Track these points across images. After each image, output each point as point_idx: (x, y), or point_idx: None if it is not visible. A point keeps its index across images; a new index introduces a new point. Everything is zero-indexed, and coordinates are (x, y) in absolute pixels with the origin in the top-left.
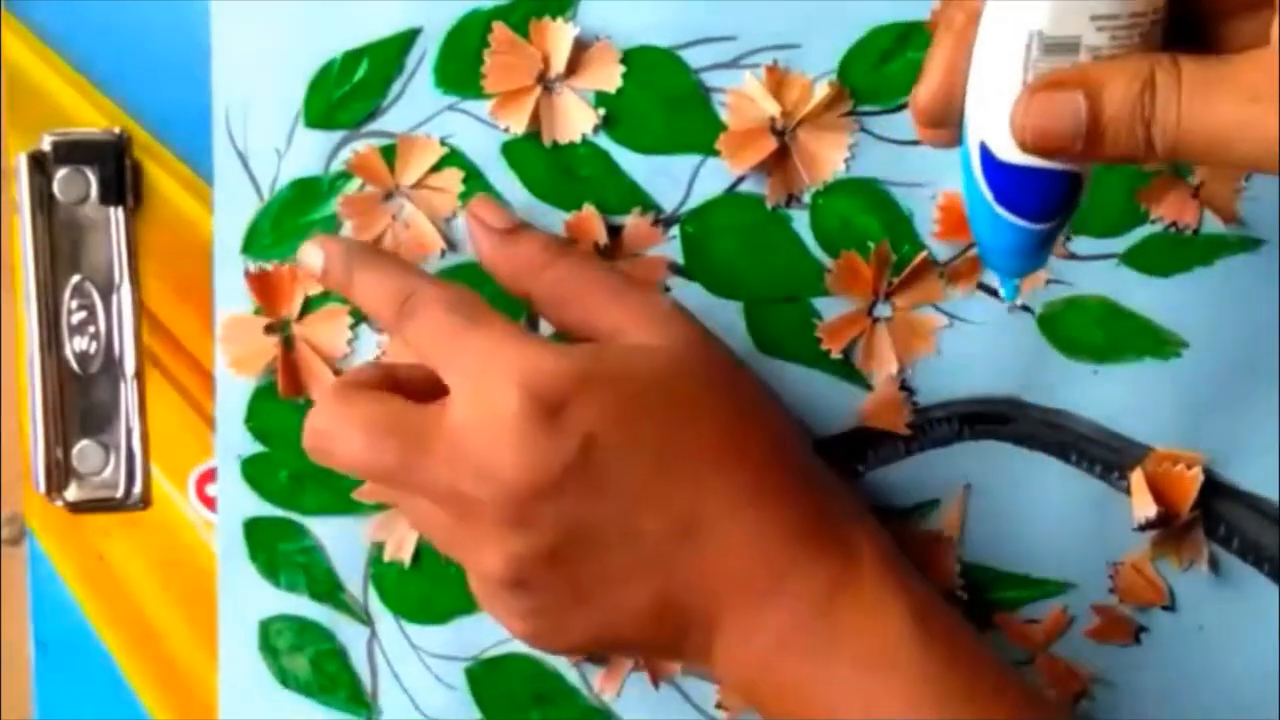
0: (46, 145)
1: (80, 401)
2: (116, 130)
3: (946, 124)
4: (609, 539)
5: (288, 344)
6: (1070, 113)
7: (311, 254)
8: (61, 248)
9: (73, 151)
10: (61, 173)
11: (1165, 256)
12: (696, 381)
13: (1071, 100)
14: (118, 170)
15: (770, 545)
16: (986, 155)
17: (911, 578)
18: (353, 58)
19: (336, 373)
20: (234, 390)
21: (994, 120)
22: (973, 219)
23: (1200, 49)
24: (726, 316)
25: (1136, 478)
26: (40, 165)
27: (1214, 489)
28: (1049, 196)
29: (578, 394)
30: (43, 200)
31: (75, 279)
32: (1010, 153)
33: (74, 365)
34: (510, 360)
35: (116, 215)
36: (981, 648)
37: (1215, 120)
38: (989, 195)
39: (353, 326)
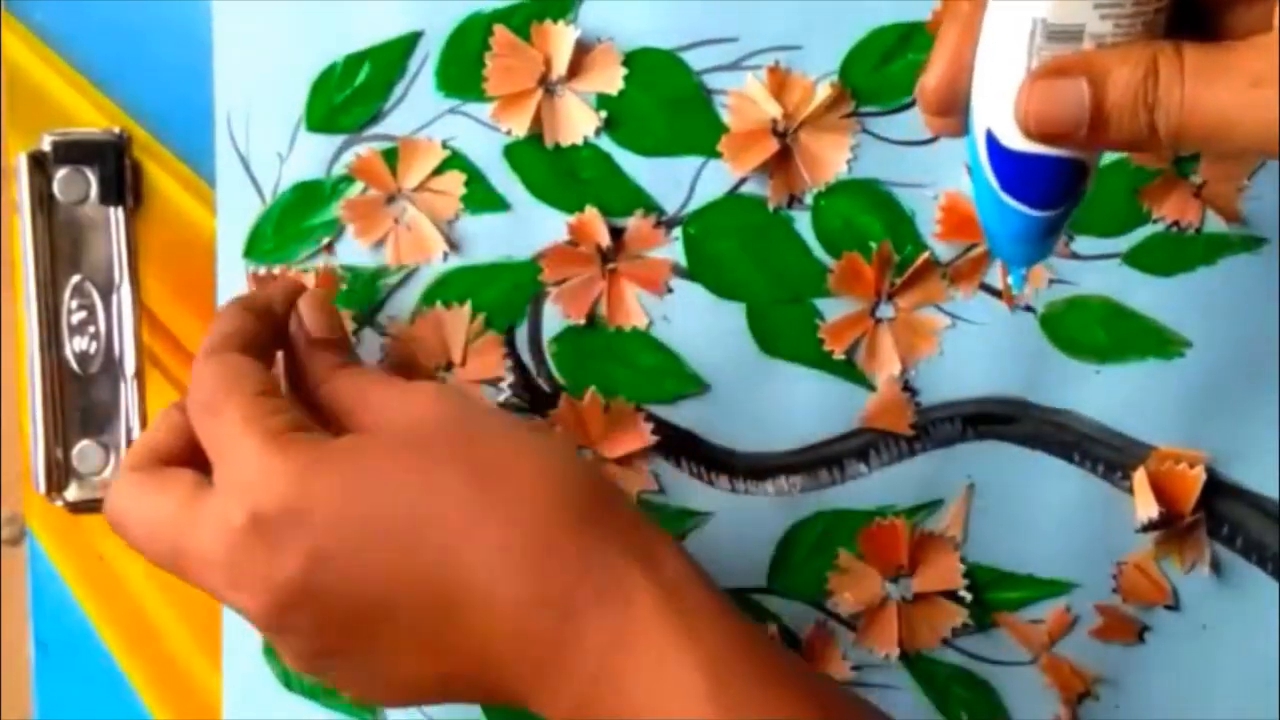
0: (46, 145)
1: (80, 401)
2: (116, 130)
3: (953, 112)
4: (371, 627)
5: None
6: (1074, 99)
7: None
8: (61, 248)
9: (73, 151)
10: (61, 173)
11: (1168, 256)
12: (429, 453)
13: (1075, 86)
14: (118, 170)
15: (537, 613)
16: (992, 142)
17: (701, 617)
18: (354, 61)
19: None
20: None
21: (999, 107)
22: (980, 207)
23: (1203, 39)
24: (729, 318)
25: (1139, 477)
26: (40, 165)
27: (1217, 488)
28: (1054, 184)
29: (296, 507)
30: (43, 200)
31: (75, 279)
32: (1015, 140)
33: (74, 365)
34: (236, 470)
35: (116, 215)
36: (796, 686)
37: (1217, 104)
38: (995, 183)
39: (355, 332)
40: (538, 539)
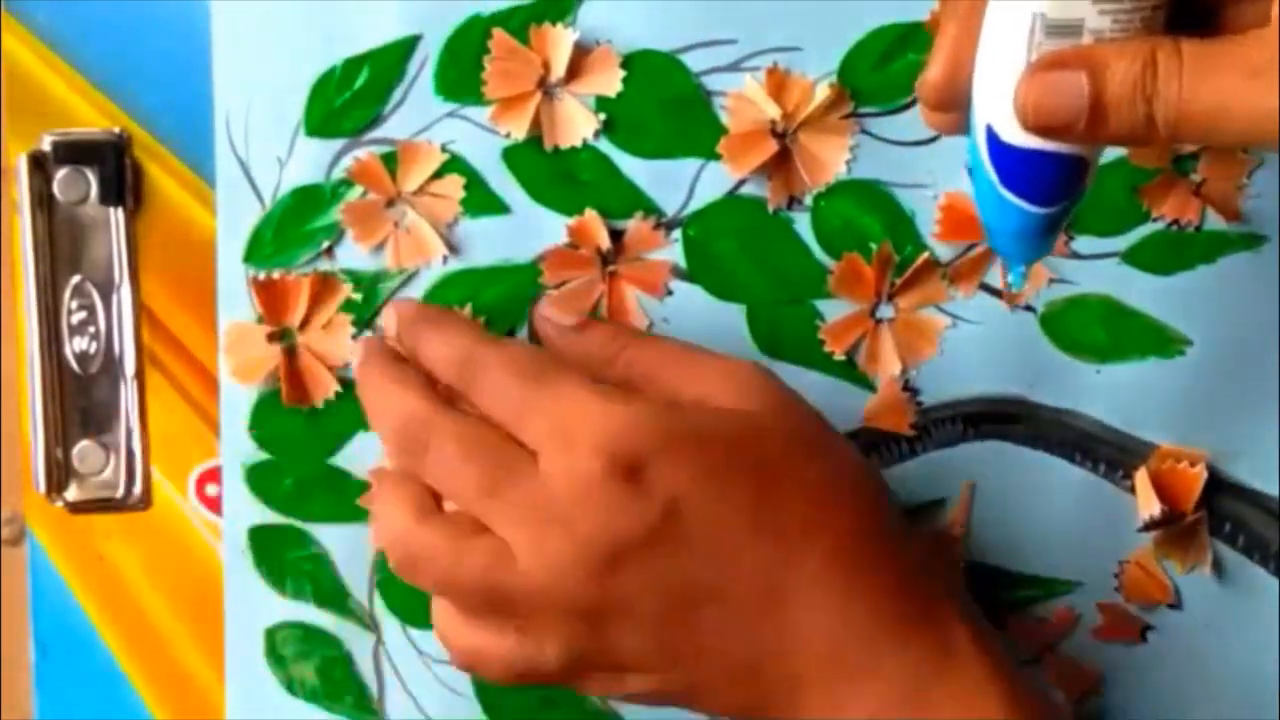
0: (46, 145)
1: (80, 401)
2: (116, 130)
3: (953, 108)
4: (694, 600)
5: (290, 352)
6: (1073, 91)
7: (386, 318)
8: (61, 248)
9: (73, 151)
10: (61, 173)
11: (1168, 255)
12: (785, 446)
13: (1074, 79)
14: (118, 170)
15: (861, 623)
16: (993, 138)
17: (1004, 660)
18: (353, 65)
19: (340, 381)
20: (238, 398)
21: (999, 103)
22: (980, 203)
23: (1202, 34)
24: (729, 319)
25: (1141, 476)
26: (40, 165)
27: (1219, 486)
28: (1055, 179)
29: (660, 453)
30: (43, 200)
31: (75, 279)
32: (1016, 135)
33: (74, 365)
34: (584, 421)
35: (116, 215)
36: None
37: (1215, 96)
38: (995, 178)
39: (355, 335)
40: (871, 556)
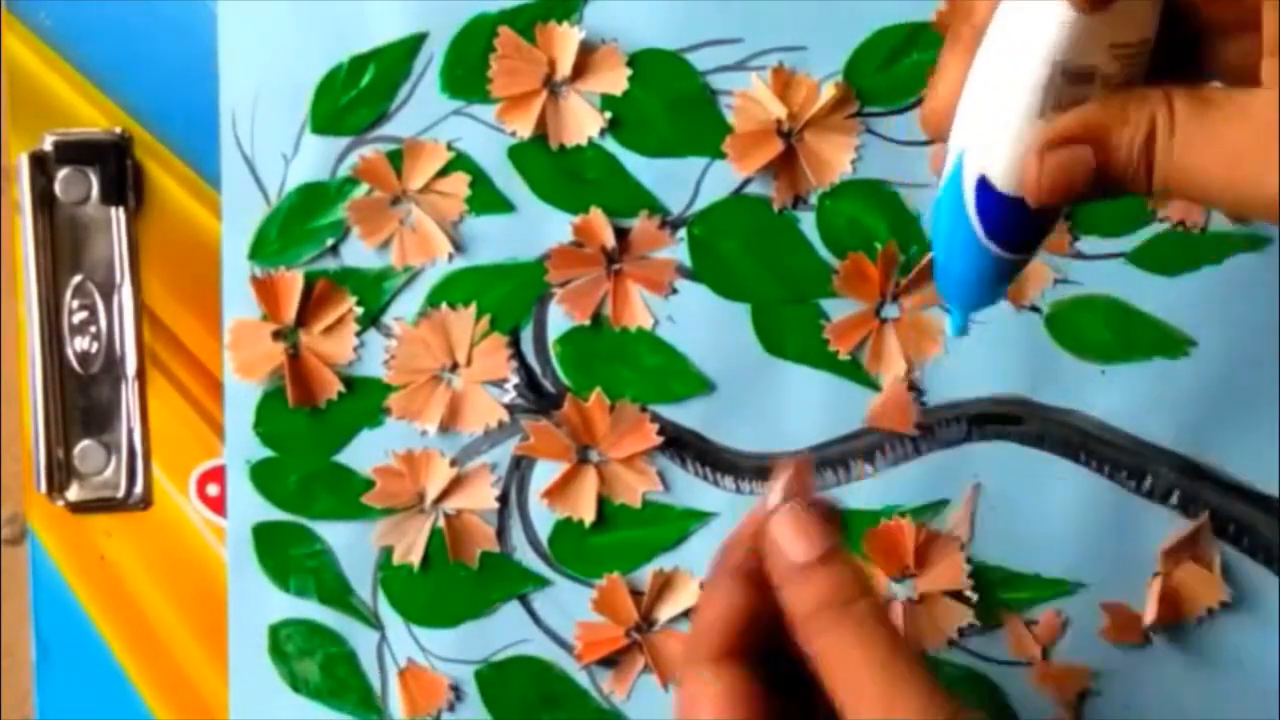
0: (48, 145)
1: (81, 401)
2: (118, 130)
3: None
4: None
5: (294, 351)
6: (1082, 163)
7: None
8: (63, 248)
9: (74, 152)
10: (63, 173)
11: (1173, 255)
12: None
13: (1082, 154)
14: (119, 170)
15: None
16: (985, 188)
17: None
18: (359, 63)
19: (344, 380)
20: (242, 395)
21: (996, 152)
22: (945, 247)
23: (1190, 67)
24: (734, 318)
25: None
26: (41, 165)
27: (1224, 488)
28: (1038, 227)
29: None
30: (44, 200)
31: (76, 279)
32: (1010, 186)
33: (75, 365)
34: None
35: (118, 215)
36: None
37: (1204, 176)
38: (978, 227)
39: (359, 333)
40: None
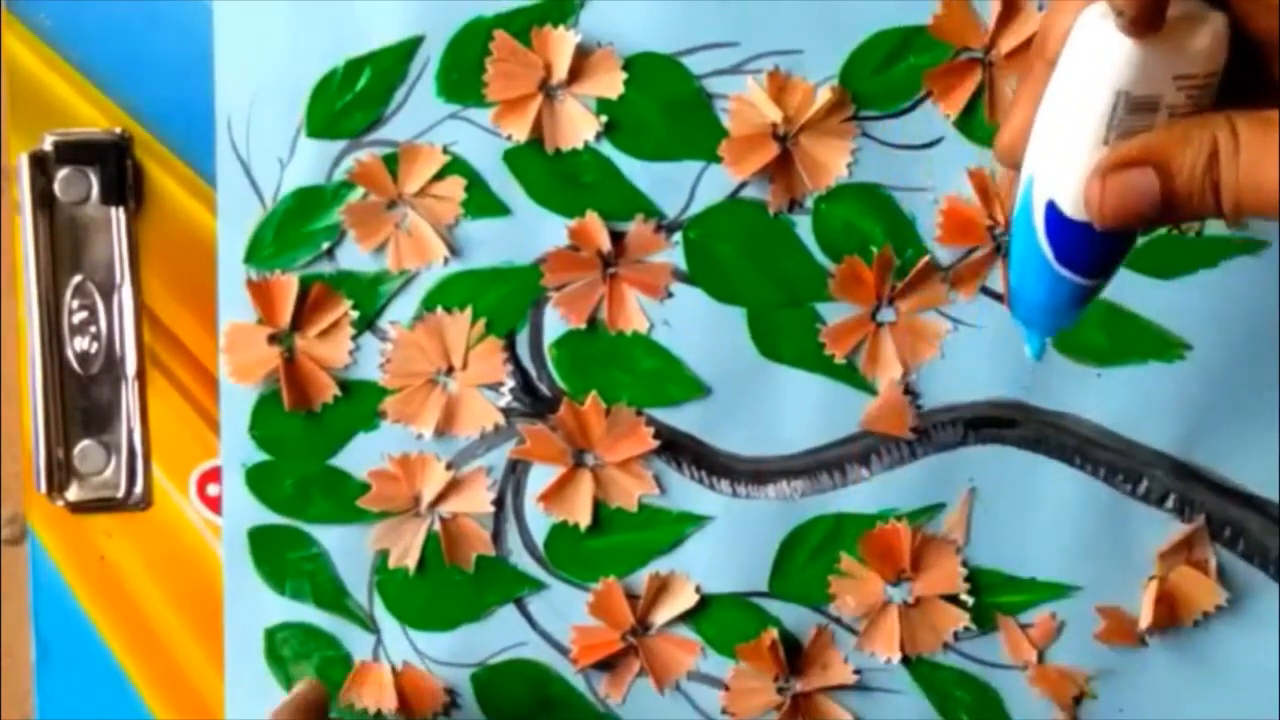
0: (48, 145)
1: (81, 401)
2: (118, 130)
3: None
4: None
5: (290, 355)
6: (1144, 188)
7: None
8: (62, 248)
9: (74, 152)
10: (63, 173)
11: (1168, 259)
12: None
13: (1144, 177)
14: (119, 170)
15: None
16: (1053, 213)
17: None
18: (355, 66)
19: (339, 383)
20: (238, 399)
21: (1065, 178)
22: (1021, 275)
23: (1258, 90)
24: (730, 322)
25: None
26: (41, 165)
27: (1220, 491)
28: (1111, 252)
29: None
30: (44, 200)
31: (76, 279)
32: (1079, 211)
33: (75, 365)
34: None
35: (117, 215)
36: None
37: (1270, 181)
38: (1049, 252)
39: (355, 337)
40: None
